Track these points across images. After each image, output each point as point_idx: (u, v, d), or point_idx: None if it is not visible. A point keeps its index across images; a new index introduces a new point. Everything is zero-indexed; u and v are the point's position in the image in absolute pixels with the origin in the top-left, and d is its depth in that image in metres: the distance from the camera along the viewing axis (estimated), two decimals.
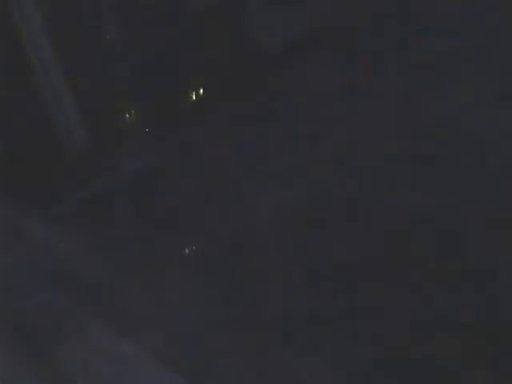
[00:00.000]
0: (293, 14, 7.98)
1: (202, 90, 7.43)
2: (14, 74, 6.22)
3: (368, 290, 2.85)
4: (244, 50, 7.28)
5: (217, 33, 7.30)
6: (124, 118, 6.83)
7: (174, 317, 3.14)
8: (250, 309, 2.99)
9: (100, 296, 3.57)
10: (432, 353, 2.35)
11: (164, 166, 5.59)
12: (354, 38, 8.18)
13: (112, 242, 4.30)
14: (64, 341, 3.17)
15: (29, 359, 3.11)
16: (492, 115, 4.26)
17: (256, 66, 7.34)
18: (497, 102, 4.46)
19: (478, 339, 2.34)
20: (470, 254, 2.86)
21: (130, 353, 2.90)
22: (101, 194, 5.30)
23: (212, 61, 7.43)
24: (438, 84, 5.27)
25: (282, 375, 2.48)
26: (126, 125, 6.86)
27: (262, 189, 4.35)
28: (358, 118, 5.13)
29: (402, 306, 2.65)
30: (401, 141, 4.38)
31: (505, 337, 2.31)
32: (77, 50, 6.43)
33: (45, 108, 6.35)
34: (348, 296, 2.84)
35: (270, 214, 3.92)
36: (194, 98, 7.41)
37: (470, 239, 2.99)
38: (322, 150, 4.70)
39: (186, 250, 3.86)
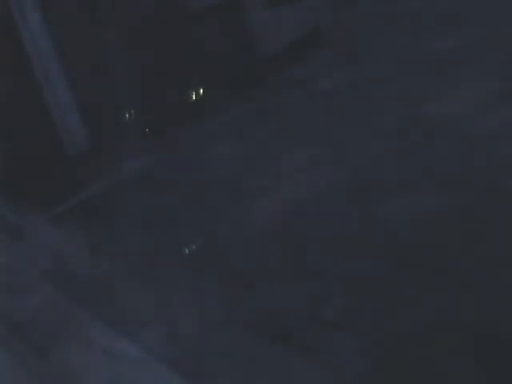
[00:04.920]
0: (293, 14, 7.99)
1: (201, 90, 7.44)
2: (14, 75, 6.23)
3: (368, 290, 2.85)
4: (244, 50, 7.28)
5: (216, 33, 7.31)
6: (124, 118, 6.84)
7: (174, 316, 3.14)
8: (250, 309, 3.00)
9: (100, 295, 3.57)
10: (432, 353, 2.35)
11: (164, 165, 5.59)
12: (354, 37, 8.19)
13: (112, 241, 4.30)
14: (64, 341, 3.17)
15: (28, 359, 3.11)
16: (492, 115, 4.27)
17: (256, 66, 7.35)
18: (497, 102, 4.46)
19: (480, 342, 2.34)
20: (470, 254, 2.87)
21: (130, 353, 2.90)
22: (101, 194, 5.31)
23: (212, 61, 7.43)
24: (437, 84, 5.27)
25: (282, 375, 2.48)
26: (126, 125, 6.87)
27: (262, 188, 4.35)
28: (357, 117, 5.14)
29: (402, 306, 2.66)
30: (400, 140, 4.38)
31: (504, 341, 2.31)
32: (77, 50, 6.44)
33: (45, 108, 6.36)
34: (348, 296, 2.84)
35: (269, 214, 3.93)
36: (194, 97, 7.41)
37: (469, 238, 2.99)
38: (322, 149, 4.70)
39: (186, 250, 3.86)
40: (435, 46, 6.43)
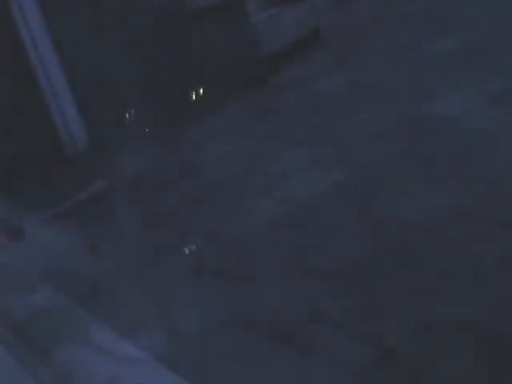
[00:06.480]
0: (293, 14, 7.99)
1: (201, 90, 7.44)
2: (14, 74, 6.23)
3: (368, 289, 2.85)
4: (244, 50, 7.28)
5: (216, 33, 7.31)
6: (124, 118, 6.83)
7: (174, 316, 3.14)
8: (250, 308, 3.00)
9: (100, 295, 3.57)
10: (432, 353, 2.35)
11: (164, 165, 5.59)
12: (354, 37, 8.19)
13: (112, 241, 4.30)
14: (64, 341, 3.17)
15: (28, 359, 3.11)
16: (492, 115, 4.27)
17: (256, 66, 7.35)
18: (497, 101, 4.46)
19: (478, 339, 2.34)
20: (469, 254, 2.87)
21: (130, 353, 2.90)
22: (101, 194, 5.31)
23: (212, 61, 7.43)
24: (437, 84, 5.27)
25: (282, 375, 2.48)
26: (126, 125, 6.87)
27: (262, 188, 4.35)
28: (357, 116, 5.14)
29: (402, 306, 2.66)
30: (400, 140, 4.38)
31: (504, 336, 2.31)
32: (77, 50, 6.43)
33: (45, 108, 6.36)
34: (348, 296, 2.84)
35: (269, 214, 3.93)
36: (194, 97, 7.41)
37: (469, 239, 2.99)
38: (322, 149, 4.70)
39: (186, 249, 3.86)
40: (435, 46, 6.43)
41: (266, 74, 7.43)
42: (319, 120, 5.39)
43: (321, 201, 3.88)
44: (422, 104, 4.92)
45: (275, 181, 4.41)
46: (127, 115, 6.79)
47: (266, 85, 7.24)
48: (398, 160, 4.10)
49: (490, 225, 3.05)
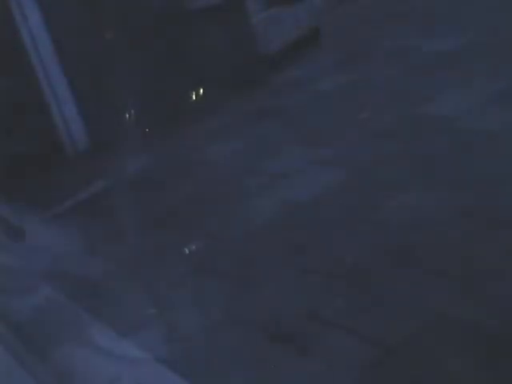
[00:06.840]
0: (293, 14, 7.98)
1: (201, 90, 7.44)
2: (14, 74, 6.22)
3: (368, 289, 2.85)
4: (244, 50, 7.28)
5: (216, 33, 7.30)
6: (124, 118, 6.83)
7: (174, 316, 3.14)
8: (250, 308, 2.99)
9: (99, 295, 3.57)
10: (432, 353, 2.35)
11: (164, 165, 5.59)
12: (354, 37, 8.18)
13: (112, 241, 4.30)
14: (64, 341, 3.17)
15: (28, 359, 3.11)
16: (492, 115, 4.26)
17: (256, 66, 7.35)
18: (497, 102, 4.46)
19: (478, 339, 2.34)
20: (469, 254, 2.86)
21: (130, 353, 2.90)
22: (101, 194, 5.31)
23: (212, 61, 7.43)
24: (437, 84, 5.26)
25: (282, 375, 2.48)
26: (127, 125, 6.87)
27: (262, 188, 4.35)
28: (357, 116, 5.14)
29: (402, 306, 2.66)
30: (400, 140, 4.38)
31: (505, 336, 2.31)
32: (77, 50, 6.43)
33: (45, 108, 6.36)
34: (348, 296, 2.84)
35: (269, 214, 3.92)
36: (194, 97, 7.41)
37: (469, 239, 2.99)
38: (321, 149, 4.70)
39: (186, 249, 3.86)
40: (435, 46, 6.42)
41: (266, 74, 7.43)
42: (319, 120, 5.39)
43: (321, 201, 3.88)
44: (422, 104, 4.91)
45: (275, 181, 4.41)
46: (127, 115, 6.79)
47: (266, 85, 7.24)
48: (398, 160, 4.10)
49: (489, 225, 3.04)
